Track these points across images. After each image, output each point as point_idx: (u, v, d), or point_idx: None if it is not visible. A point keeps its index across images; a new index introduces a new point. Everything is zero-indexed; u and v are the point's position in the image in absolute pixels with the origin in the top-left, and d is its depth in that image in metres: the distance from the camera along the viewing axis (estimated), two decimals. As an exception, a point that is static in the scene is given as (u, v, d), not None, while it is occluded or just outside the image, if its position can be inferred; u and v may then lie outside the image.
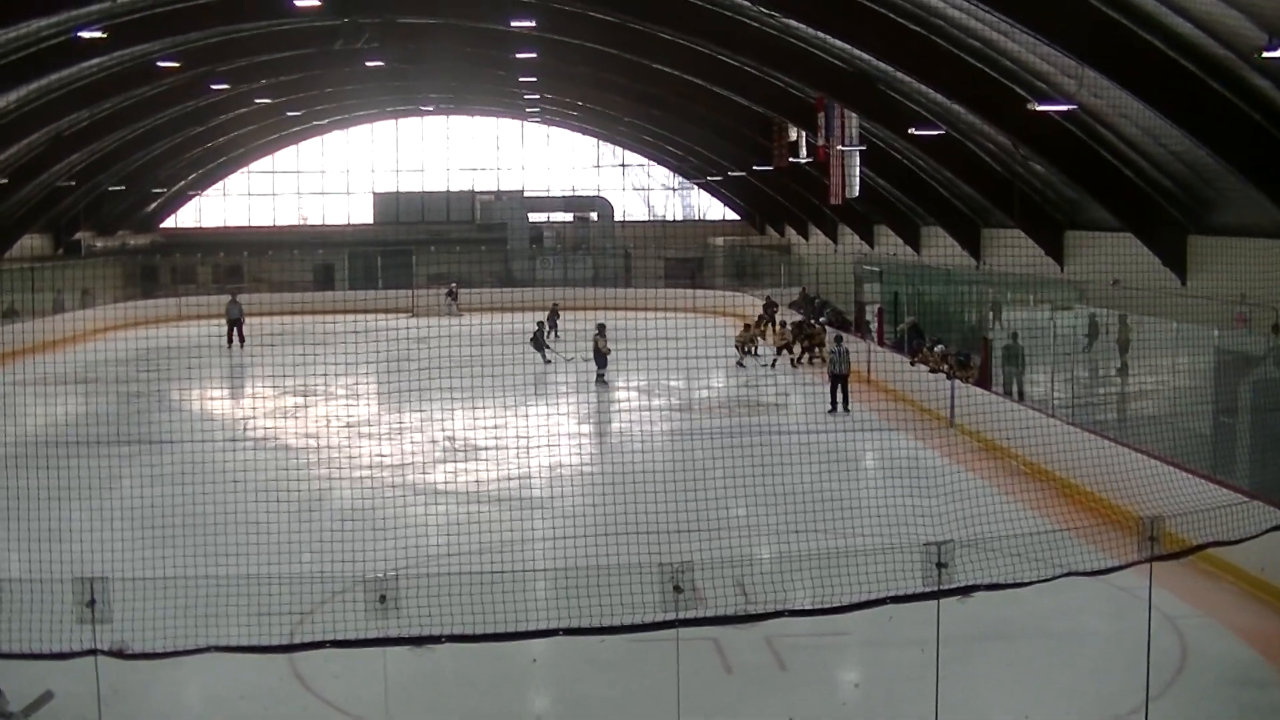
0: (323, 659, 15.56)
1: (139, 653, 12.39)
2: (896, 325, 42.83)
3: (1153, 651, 14.20)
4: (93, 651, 11.82)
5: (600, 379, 41.74)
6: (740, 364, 46.14)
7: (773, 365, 44.98)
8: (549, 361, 46.02)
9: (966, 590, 13.65)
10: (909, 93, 37.70)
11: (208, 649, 12.18)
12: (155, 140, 61.20)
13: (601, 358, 41.72)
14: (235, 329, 54.92)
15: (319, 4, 39.12)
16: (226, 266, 78.31)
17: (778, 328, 47.75)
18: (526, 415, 36.05)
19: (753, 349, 47.33)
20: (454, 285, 66.47)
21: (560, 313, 53.54)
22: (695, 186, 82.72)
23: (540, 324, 47.82)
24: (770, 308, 52.53)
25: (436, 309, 60.46)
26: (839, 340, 38.44)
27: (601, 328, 41.83)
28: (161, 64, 45.26)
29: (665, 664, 13.72)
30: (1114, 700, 15.26)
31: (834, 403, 36.46)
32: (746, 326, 48.92)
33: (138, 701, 14.95)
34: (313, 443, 32.85)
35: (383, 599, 12.28)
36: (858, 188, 43.66)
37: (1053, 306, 33.42)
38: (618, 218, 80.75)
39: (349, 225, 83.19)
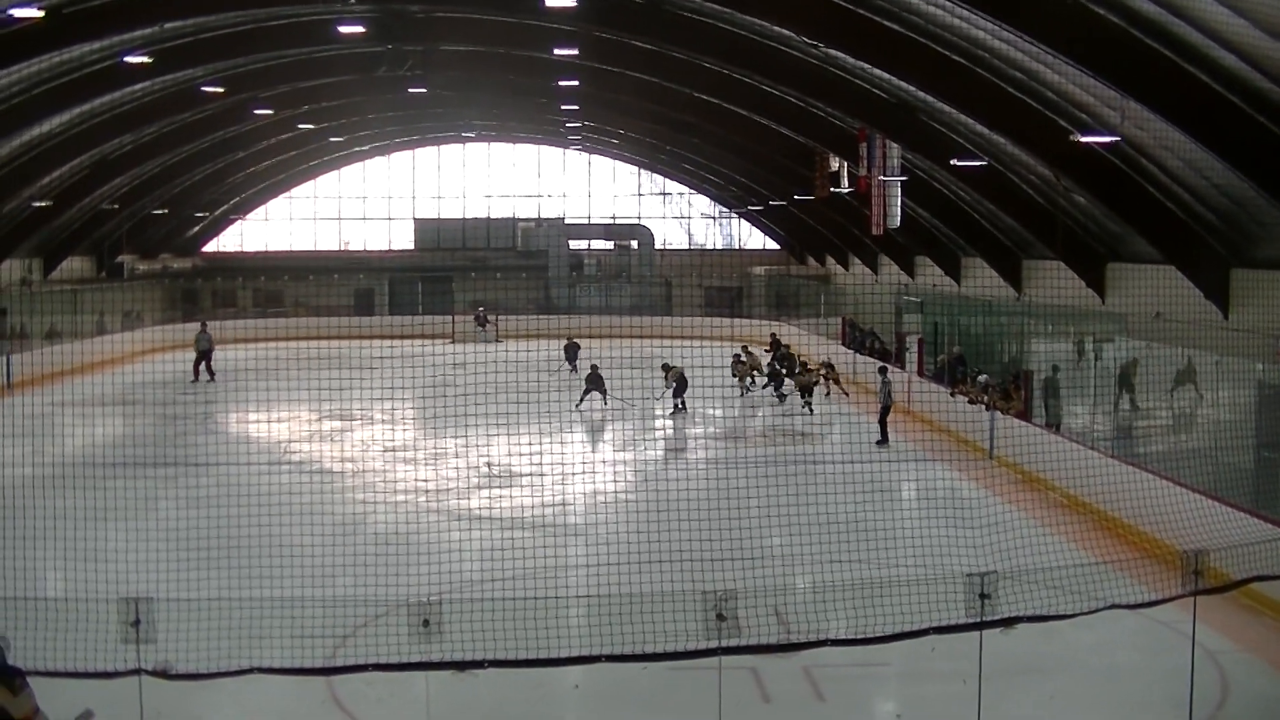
0: (362, 683, 15.58)
1: (182, 673, 12.43)
2: (937, 356, 42.72)
3: (1194, 687, 14.13)
4: (137, 671, 11.86)
5: (679, 408, 41.59)
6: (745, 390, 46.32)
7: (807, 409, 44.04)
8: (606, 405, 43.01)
9: (1009, 622, 13.60)
10: (951, 123, 37.66)
11: (250, 670, 12.21)
12: (198, 165, 61.64)
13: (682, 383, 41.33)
14: (204, 361, 51.68)
15: (363, 31, 39.37)
16: (267, 291, 78.71)
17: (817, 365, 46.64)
18: (565, 441, 36.08)
19: (750, 382, 47.20)
20: (482, 310, 66.54)
21: (578, 344, 52.57)
22: (736, 216, 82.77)
23: (594, 366, 44.29)
24: (775, 345, 51.91)
25: (475, 335, 60.62)
26: (883, 372, 38.28)
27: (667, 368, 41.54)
28: (205, 89, 45.61)
29: (704, 692, 13.70)
30: (1155, 735, 15.21)
31: (884, 435, 36.13)
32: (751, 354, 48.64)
33: (178, 723, 15.00)
34: (352, 467, 32.91)
35: (426, 623, 12.30)
36: (899, 218, 43.57)
37: (1094, 339, 33.33)
38: (658, 246, 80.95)
39: (390, 251, 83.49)
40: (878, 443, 35.55)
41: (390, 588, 16.15)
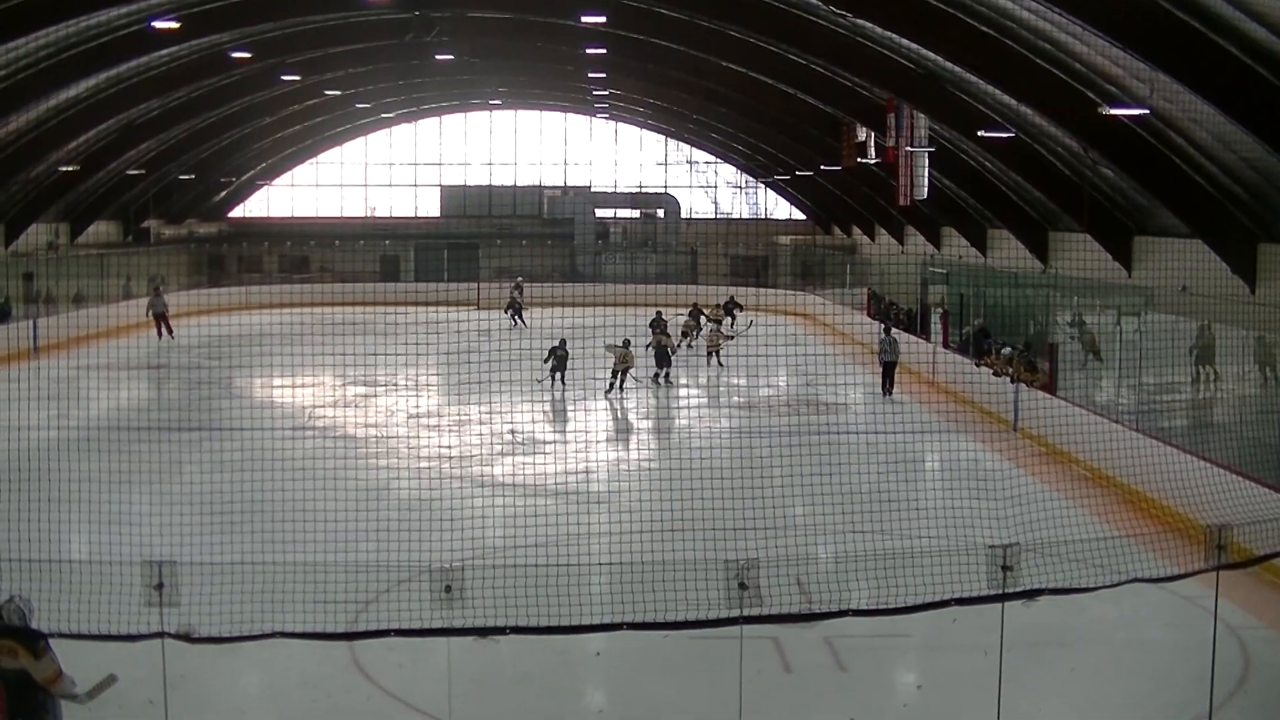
0: (384, 649, 15.64)
1: (205, 637, 12.47)
2: (962, 328, 42.67)
3: (1216, 662, 14.11)
4: (160, 635, 11.90)
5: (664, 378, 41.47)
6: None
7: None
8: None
9: (1032, 594, 13.56)
10: (979, 95, 37.54)
11: (273, 635, 12.24)
12: (225, 130, 61.72)
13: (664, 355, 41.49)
14: (162, 322, 53.42)
15: (391, -3, 39.34)
16: (293, 256, 78.85)
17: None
18: (589, 410, 36.08)
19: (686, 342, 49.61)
20: (521, 279, 66.58)
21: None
22: (762, 185, 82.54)
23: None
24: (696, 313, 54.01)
25: (501, 302, 60.61)
26: (887, 331, 40.29)
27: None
28: (233, 54, 45.61)
29: (725, 661, 13.71)
30: (1176, 710, 15.20)
31: (885, 388, 39.20)
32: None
33: (199, 687, 15.04)
34: (376, 433, 32.97)
35: (448, 589, 12.30)
36: (926, 189, 43.50)
37: (1120, 312, 33.24)
38: (684, 215, 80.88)
39: (416, 218, 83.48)
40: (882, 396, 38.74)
41: (413, 554, 16.17)
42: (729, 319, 54.17)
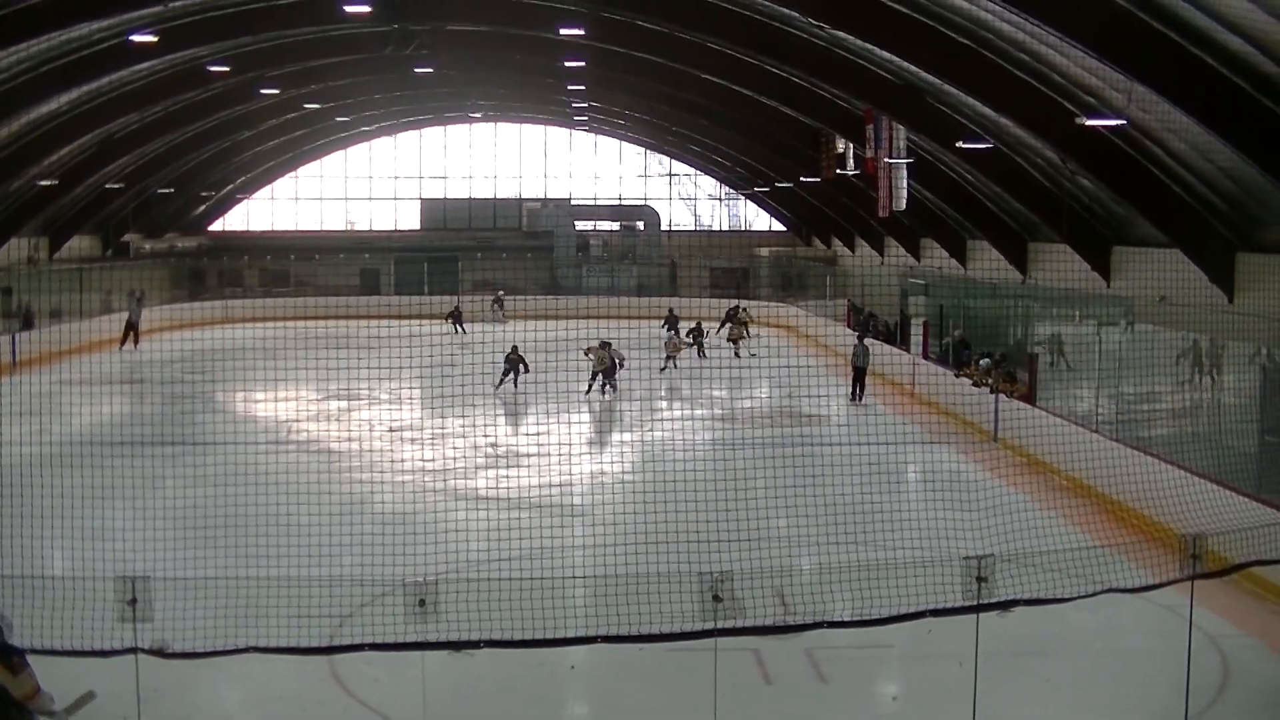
0: (361, 662, 15.61)
1: (179, 652, 12.43)
2: (942, 339, 42.73)
3: (1194, 670, 14.12)
4: (134, 650, 11.86)
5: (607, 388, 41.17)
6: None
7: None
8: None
9: (1007, 605, 13.60)
10: (957, 106, 37.60)
11: (247, 649, 12.21)
12: (205, 144, 61.62)
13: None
14: (131, 331, 54.99)
15: (369, 10, 39.27)
16: (273, 270, 78.71)
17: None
18: (568, 422, 36.05)
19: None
20: (501, 293, 66.68)
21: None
22: (742, 197, 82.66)
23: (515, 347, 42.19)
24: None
25: (482, 315, 60.68)
26: (861, 339, 41.55)
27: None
28: (212, 68, 45.57)
29: (704, 674, 13.69)
30: (1155, 719, 15.19)
31: (853, 393, 40.44)
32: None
33: (176, 702, 14.99)
34: (355, 447, 32.90)
35: (422, 603, 12.29)
36: (905, 201, 43.54)
37: (1099, 322, 33.27)
38: (664, 227, 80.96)
39: (396, 231, 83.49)
40: (849, 400, 40.04)
41: (392, 567, 16.15)
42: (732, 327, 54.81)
